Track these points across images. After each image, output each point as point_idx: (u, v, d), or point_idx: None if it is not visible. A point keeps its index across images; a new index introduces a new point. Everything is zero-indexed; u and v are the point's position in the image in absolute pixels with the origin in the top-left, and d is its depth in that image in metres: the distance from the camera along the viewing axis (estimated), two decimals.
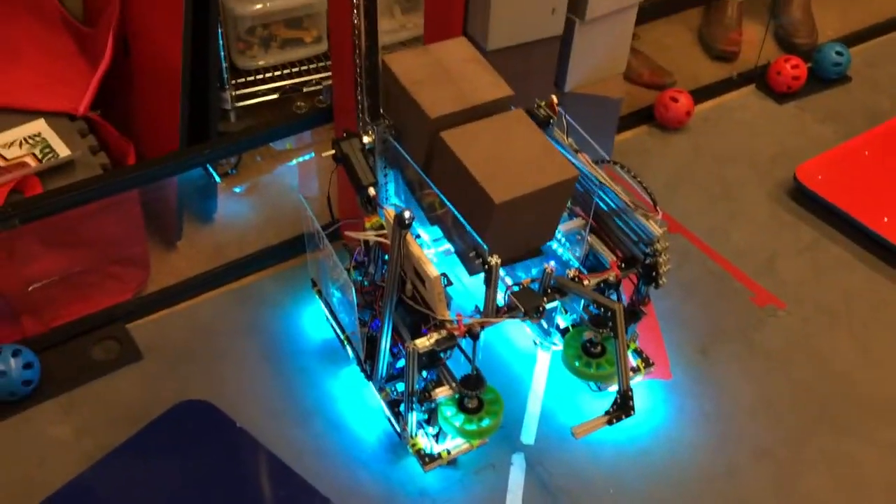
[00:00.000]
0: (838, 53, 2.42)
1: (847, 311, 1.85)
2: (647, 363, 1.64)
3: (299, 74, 2.12)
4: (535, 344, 1.71)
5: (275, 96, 2.10)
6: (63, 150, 1.70)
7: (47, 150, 1.71)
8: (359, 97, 1.43)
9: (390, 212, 1.35)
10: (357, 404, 1.63)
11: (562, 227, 1.56)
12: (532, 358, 1.72)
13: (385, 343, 1.42)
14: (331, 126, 1.79)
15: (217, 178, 2.02)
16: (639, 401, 1.63)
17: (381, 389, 1.53)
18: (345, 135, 1.43)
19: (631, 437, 1.60)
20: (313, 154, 2.11)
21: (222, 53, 1.98)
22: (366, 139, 1.42)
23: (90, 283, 1.75)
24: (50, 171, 1.68)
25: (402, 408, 1.48)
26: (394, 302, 1.37)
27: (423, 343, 1.33)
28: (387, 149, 1.50)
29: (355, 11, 1.33)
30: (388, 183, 1.48)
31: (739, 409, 1.66)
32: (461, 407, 1.42)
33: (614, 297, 1.51)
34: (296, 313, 1.78)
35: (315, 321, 1.76)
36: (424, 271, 1.30)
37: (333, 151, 1.43)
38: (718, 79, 2.44)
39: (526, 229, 1.44)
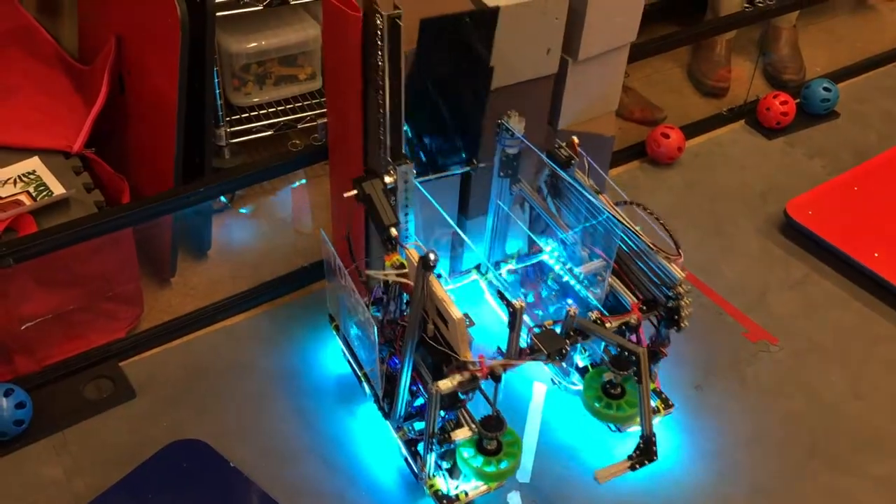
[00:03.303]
0: (826, 89, 2.45)
1: (838, 346, 1.86)
2: (667, 404, 1.63)
3: (294, 111, 2.13)
4: (553, 383, 1.70)
5: (269, 133, 2.11)
6: (57, 188, 1.71)
7: (42, 187, 1.71)
8: (381, 137, 1.44)
9: (413, 252, 1.36)
10: (352, 442, 1.62)
11: (582, 269, 1.58)
12: (528, 394, 1.72)
13: (405, 382, 1.41)
14: (325, 163, 1.80)
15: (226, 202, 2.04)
16: (635, 437, 1.64)
17: (398, 428, 1.51)
18: (366, 174, 1.44)
19: (627, 474, 1.60)
20: (303, 180, 2.12)
21: (217, 91, 1.99)
22: (387, 179, 1.42)
23: (83, 321, 1.74)
24: (44, 208, 1.68)
25: (419, 447, 1.47)
26: (415, 342, 1.36)
27: (447, 385, 1.33)
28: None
29: (380, 53, 1.34)
30: (409, 222, 1.49)
31: (734, 445, 1.66)
32: (480, 448, 1.41)
33: (633, 338, 1.52)
34: (290, 350, 1.77)
35: (310, 358, 1.76)
36: (448, 313, 1.29)
37: (355, 192, 1.43)
38: (709, 115, 2.47)
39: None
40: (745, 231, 2.13)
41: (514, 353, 1.39)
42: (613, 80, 1.85)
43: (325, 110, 2.05)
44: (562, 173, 1.56)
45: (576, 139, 1.56)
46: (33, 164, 1.76)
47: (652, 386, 1.64)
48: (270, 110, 2.12)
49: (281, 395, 1.69)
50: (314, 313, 1.81)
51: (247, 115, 2.10)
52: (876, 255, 2.00)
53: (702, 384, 1.76)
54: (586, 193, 1.53)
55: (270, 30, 2.04)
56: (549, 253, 1.69)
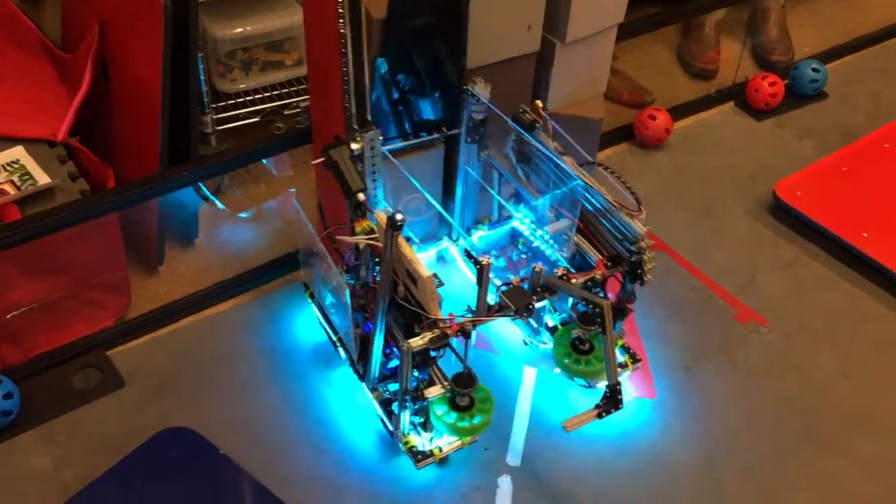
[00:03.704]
0: (814, 70, 2.44)
1: (828, 327, 1.86)
2: (635, 359, 1.68)
3: (280, 97, 2.12)
4: (525, 343, 1.73)
5: (255, 119, 2.10)
6: (42, 177, 1.69)
7: (26, 177, 1.70)
8: (346, 105, 1.46)
9: (382, 215, 1.37)
10: (340, 421, 1.62)
11: (549, 228, 1.62)
12: (518, 378, 1.72)
13: (378, 344, 1.44)
14: (310, 146, 1.79)
15: (219, 204, 2.04)
16: (623, 420, 1.64)
17: (373, 389, 1.54)
18: (334, 142, 1.46)
19: (617, 456, 1.60)
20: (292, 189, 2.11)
21: (202, 77, 1.98)
22: (354, 146, 1.45)
23: (70, 310, 1.73)
24: (29, 198, 1.66)
25: (394, 407, 1.50)
26: (387, 303, 1.39)
27: (417, 342, 1.37)
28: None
29: (341, 21, 1.36)
30: (378, 188, 1.52)
31: (723, 427, 1.67)
32: (453, 405, 1.46)
33: (602, 294, 1.56)
34: (278, 336, 1.77)
35: (297, 344, 1.75)
36: (417, 271, 1.32)
37: (322, 159, 1.46)
38: (697, 96, 2.46)
39: None
40: (734, 213, 2.12)
41: (483, 310, 1.43)
42: (601, 63, 1.84)
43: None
44: (527, 136, 1.59)
45: (539, 102, 1.58)
46: (17, 153, 1.75)
47: (620, 342, 1.69)
48: (257, 96, 2.10)
49: (269, 382, 1.69)
50: (302, 299, 1.81)
51: (233, 101, 2.08)
52: (864, 235, 2.00)
53: (691, 366, 1.76)
54: (551, 155, 1.55)
55: (256, 15, 2.03)
56: (520, 219, 1.71)
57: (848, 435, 1.67)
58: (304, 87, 2.12)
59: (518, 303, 1.46)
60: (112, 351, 1.73)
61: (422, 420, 1.50)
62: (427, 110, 1.66)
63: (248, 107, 2.09)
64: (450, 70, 1.61)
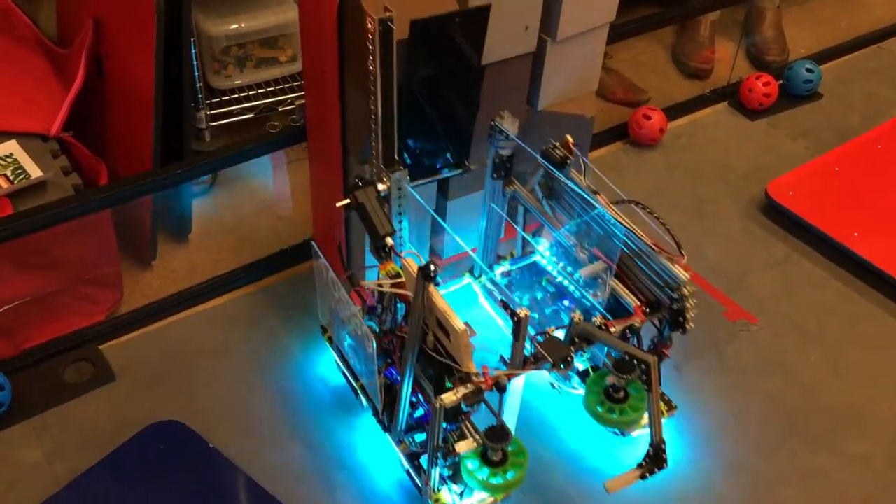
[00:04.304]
0: (809, 70, 2.45)
1: (818, 326, 1.87)
2: (670, 406, 1.62)
3: (275, 94, 2.13)
4: (553, 388, 1.67)
5: (250, 115, 2.11)
6: (35, 171, 1.70)
7: (19, 171, 1.71)
8: (373, 143, 1.42)
9: (410, 262, 1.31)
10: (333, 422, 1.63)
11: (583, 272, 1.54)
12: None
13: (406, 395, 1.39)
14: (304, 145, 1.80)
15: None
16: None
17: (399, 442, 1.48)
18: (359, 182, 1.41)
19: (606, 454, 1.61)
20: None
21: (197, 73, 1.99)
22: (381, 186, 1.40)
23: (62, 305, 1.74)
24: (21, 192, 1.67)
25: (422, 461, 1.45)
26: (416, 353, 1.33)
27: (451, 398, 1.29)
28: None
29: (371, 58, 1.31)
30: (403, 230, 1.47)
31: (713, 424, 1.67)
32: (485, 459, 1.37)
33: (636, 341, 1.50)
34: (270, 333, 1.77)
35: (289, 338, 1.76)
36: (451, 325, 1.25)
37: (347, 200, 1.40)
38: (691, 96, 2.46)
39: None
40: (726, 212, 2.13)
41: (519, 363, 1.34)
42: (593, 60, 1.84)
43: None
44: (558, 174, 1.52)
45: (570, 138, 1.52)
46: (11, 147, 1.76)
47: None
48: (251, 93, 2.11)
49: (261, 377, 1.69)
50: (294, 296, 1.81)
51: (227, 97, 2.10)
52: (855, 234, 2.00)
53: (681, 364, 1.76)
54: (584, 193, 1.49)
55: (250, 12, 2.04)
56: (542, 255, 1.66)
57: (837, 433, 1.67)
58: (298, 83, 2.13)
59: (555, 355, 1.36)
60: (104, 345, 1.74)
61: (450, 473, 1.42)
62: (440, 143, 1.63)
63: (242, 103, 2.10)
64: (465, 102, 1.58)
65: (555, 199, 1.60)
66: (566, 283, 1.61)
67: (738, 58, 2.58)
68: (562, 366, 1.37)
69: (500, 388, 1.30)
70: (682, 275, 1.42)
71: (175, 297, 1.83)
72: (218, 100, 2.08)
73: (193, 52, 1.90)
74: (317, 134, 1.71)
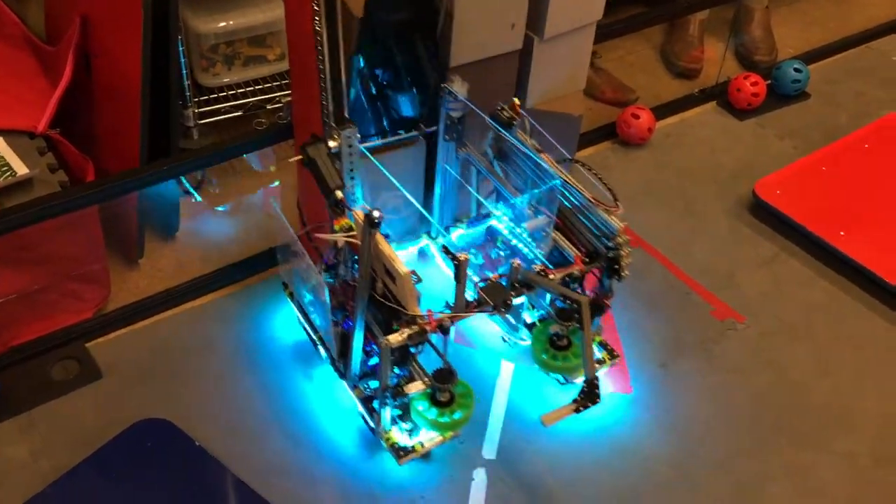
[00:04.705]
0: (797, 70, 2.46)
1: (805, 324, 1.87)
2: (612, 355, 1.69)
3: (263, 92, 2.12)
4: (504, 340, 1.73)
5: (238, 113, 2.10)
6: (21, 169, 1.69)
7: (5, 168, 1.70)
8: (324, 102, 1.46)
9: (359, 213, 1.38)
10: (316, 413, 1.63)
11: (527, 225, 1.62)
12: (495, 371, 1.72)
13: (358, 341, 1.45)
14: (291, 142, 1.79)
15: (197, 197, 2.04)
16: (599, 415, 1.65)
17: (354, 387, 1.54)
18: (311, 139, 1.46)
19: (592, 451, 1.61)
20: (278, 182, 2.12)
21: (185, 71, 1.98)
22: (332, 143, 1.45)
23: (49, 302, 1.73)
24: (8, 189, 1.67)
25: (375, 404, 1.50)
26: (366, 300, 1.39)
27: (396, 338, 1.37)
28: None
29: (317, 19, 1.36)
30: (356, 186, 1.52)
31: (699, 422, 1.68)
32: (433, 401, 1.46)
33: (580, 291, 1.57)
34: (256, 331, 1.77)
35: (275, 337, 1.76)
36: (395, 269, 1.33)
37: (300, 157, 1.46)
38: (680, 96, 2.47)
39: None
40: (714, 211, 2.14)
41: (461, 306, 1.43)
42: (580, 59, 1.85)
43: None
44: (505, 134, 1.60)
45: (516, 100, 1.59)
46: None
47: (598, 338, 1.70)
48: (240, 91, 2.11)
49: (247, 375, 1.69)
50: (281, 295, 1.81)
51: (216, 95, 2.09)
52: (842, 233, 2.01)
53: (667, 362, 1.77)
54: (529, 152, 1.56)
55: (238, 10, 2.03)
56: (498, 217, 1.72)
57: (824, 430, 1.68)
58: (287, 82, 2.13)
59: (496, 298, 1.47)
60: (91, 343, 1.74)
61: (400, 413, 1.50)
62: (405, 107, 1.67)
63: (230, 101, 2.09)
64: (428, 67, 1.62)
65: (504, 161, 1.66)
66: (516, 242, 1.67)
67: (727, 57, 2.59)
68: (502, 308, 1.47)
69: (444, 330, 1.39)
70: (617, 224, 1.51)
71: (162, 295, 1.82)
72: (206, 97, 2.08)
73: (181, 49, 1.90)
74: (303, 131, 1.71)
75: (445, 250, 1.50)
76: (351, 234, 1.41)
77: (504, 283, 1.54)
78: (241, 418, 1.62)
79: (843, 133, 2.34)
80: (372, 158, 1.56)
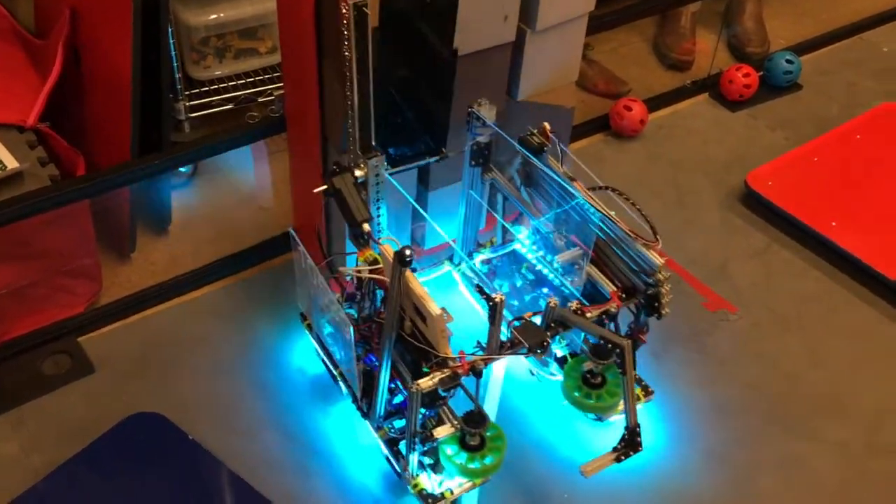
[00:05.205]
0: (788, 62, 2.46)
1: (797, 315, 1.88)
2: (647, 391, 1.62)
3: (254, 84, 2.12)
4: (532, 374, 1.67)
5: (230, 106, 2.10)
6: (11, 162, 1.68)
7: None
8: (350, 130, 1.41)
9: (388, 248, 1.31)
10: (310, 413, 1.62)
11: (559, 258, 1.53)
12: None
13: (384, 381, 1.39)
14: (284, 136, 1.79)
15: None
16: None
17: (378, 428, 1.48)
18: (336, 169, 1.40)
19: (584, 441, 1.61)
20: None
21: (176, 64, 1.97)
22: (358, 173, 1.39)
23: (41, 297, 1.73)
24: None
25: (401, 447, 1.45)
26: (393, 339, 1.33)
27: (427, 383, 1.30)
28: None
29: (346, 44, 1.29)
30: (381, 216, 1.47)
31: (692, 412, 1.68)
32: (463, 444, 1.38)
33: (613, 327, 1.50)
34: (249, 324, 1.77)
35: (269, 330, 1.76)
36: (427, 309, 1.25)
37: (325, 187, 1.40)
38: (672, 87, 2.47)
39: None
40: (706, 202, 2.14)
41: (495, 348, 1.34)
42: (572, 51, 1.84)
43: None
44: (535, 160, 1.52)
45: (547, 125, 1.52)
46: None
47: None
48: (231, 84, 2.10)
49: (240, 369, 1.69)
50: (274, 287, 1.81)
51: (207, 88, 2.08)
52: (834, 224, 2.01)
53: (660, 353, 1.77)
54: (560, 180, 1.49)
55: (229, 2, 2.02)
56: (523, 242, 1.66)
57: (816, 420, 1.68)
58: (278, 74, 2.12)
59: (531, 340, 1.36)
60: (83, 337, 1.73)
61: (432, 462, 1.43)
62: (416, 131, 1.62)
63: (221, 94, 2.09)
64: (439, 88, 1.56)
65: (533, 187, 1.60)
66: (545, 270, 1.61)
67: (719, 49, 2.59)
68: (538, 350, 1.37)
69: (477, 373, 1.31)
70: (657, 260, 1.42)
71: (155, 289, 1.82)
72: (197, 91, 2.07)
73: (172, 42, 1.89)
74: (296, 124, 1.71)
75: (479, 290, 1.39)
76: (376, 267, 1.36)
77: (539, 322, 1.43)
78: (234, 412, 1.62)
79: (834, 124, 2.34)
80: (402, 190, 1.49)
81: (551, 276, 1.59)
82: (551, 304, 1.44)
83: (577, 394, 1.52)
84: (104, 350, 1.71)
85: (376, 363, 1.42)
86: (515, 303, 1.67)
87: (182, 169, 2.03)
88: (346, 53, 1.32)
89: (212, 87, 2.08)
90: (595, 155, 2.24)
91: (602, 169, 2.17)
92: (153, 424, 1.57)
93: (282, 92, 1.75)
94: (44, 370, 1.67)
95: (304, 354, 1.71)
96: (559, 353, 1.63)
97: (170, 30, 1.85)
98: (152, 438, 1.55)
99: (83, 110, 1.92)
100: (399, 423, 1.48)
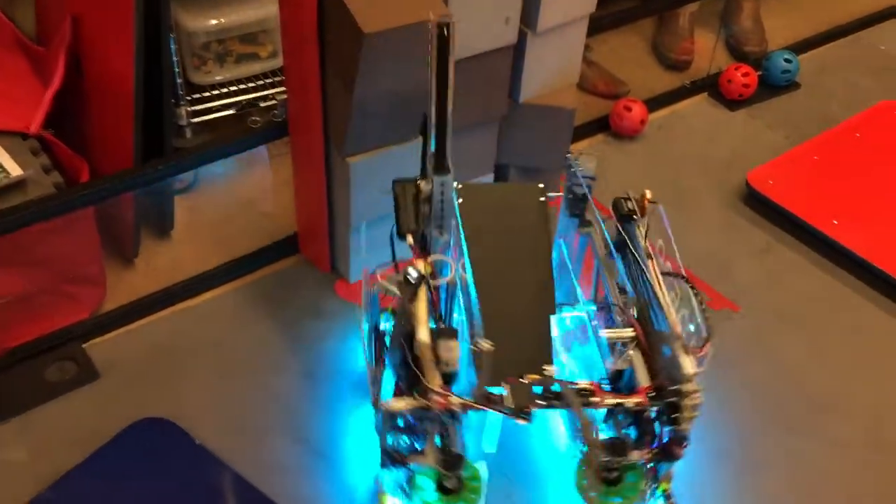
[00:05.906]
0: (787, 61, 2.47)
1: (799, 314, 1.89)
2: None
3: (255, 89, 2.12)
4: (559, 443, 1.57)
5: (231, 111, 2.10)
6: (15, 170, 1.68)
7: None
8: (426, 147, 1.34)
9: (416, 262, 1.26)
10: (318, 414, 1.63)
11: (604, 332, 1.35)
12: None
13: (377, 396, 1.32)
14: (286, 140, 1.79)
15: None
16: None
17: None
18: (412, 179, 1.36)
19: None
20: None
21: (177, 69, 1.98)
22: (421, 185, 1.33)
23: (45, 304, 1.73)
24: (1, 190, 1.66)
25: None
26: (397, 356, 1.28)
27: (396, 405, 1.24)
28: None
29: (429, 58, 1.23)
30: (443, 234, 1.37)
31: None
32: (439, 484, 1.31)
33: (632, 432, 1.33)
34: (254, 328, 1.77)
35: (274, 335, 1.76)
36: (417, 334, 1.20)
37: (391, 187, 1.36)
38: (671, 88, 2.48)
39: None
40: (707, 202, 2.15)
41: (479, 397, 1.23)
42: (573, 53, 1.85)
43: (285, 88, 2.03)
44: (620, 226, 1.42)
45: (648, 192, 1.41)
46: None
47: (664, 486, 1.38)
48: (232, 89, 2.11)
49: (245, 373, 1.69)
50: (278, 291, 1.81)
51: (208, 94, 2.09)
52: (835, 222, 2.02)
53: None
54: (637, 255, 1.37)
55: (230, 7, 2.03)
56: (579, 308, 1.54)
57: (818, 418, 1.69)
58: (280, 79, 2.13)
59: (517, 401, 1.23)
60: (88, 343, 1.73)
61: (405, 486, 1.34)
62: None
63: (223, 99, 2.09)
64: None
65: (622, 254, 1.45)
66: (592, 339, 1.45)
67: (717, 49, 2.60)
68: (521, 416, 1.23)
69: (453, 416, 1.24)
70: (689, 368, 1.21)
71: (159, 295, 1.82)
72: (198, 96, 2.07)
73: (173, 48, 1.90)
74: (299, 129, 1.71)
75: (472, 339, 1.30)
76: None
77: (537, 390, 1.26)
78: (240, 416, 1.62)
79: (834, 122, 2.35)
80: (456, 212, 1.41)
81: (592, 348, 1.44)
82: (547, 373, 1.29)
83: (591, 493, 1.35)
84: (109, 356, 1.71)
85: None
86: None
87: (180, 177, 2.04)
88: (429, 68, 1.24)
89: (213, 93, 2.09)
90: (595, 155, 2.23)
91: (603, 169, 2.16)
92: (160, 429, 1.57)
93: (284, 97, 1.76)
94: (49, 377, 1.67)
95: (309, 357, 1.71)
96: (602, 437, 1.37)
97: (170, 35, 1.85)
98: (159, 443, 1.56)
99: (86, 117, 1.92)
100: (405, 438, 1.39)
